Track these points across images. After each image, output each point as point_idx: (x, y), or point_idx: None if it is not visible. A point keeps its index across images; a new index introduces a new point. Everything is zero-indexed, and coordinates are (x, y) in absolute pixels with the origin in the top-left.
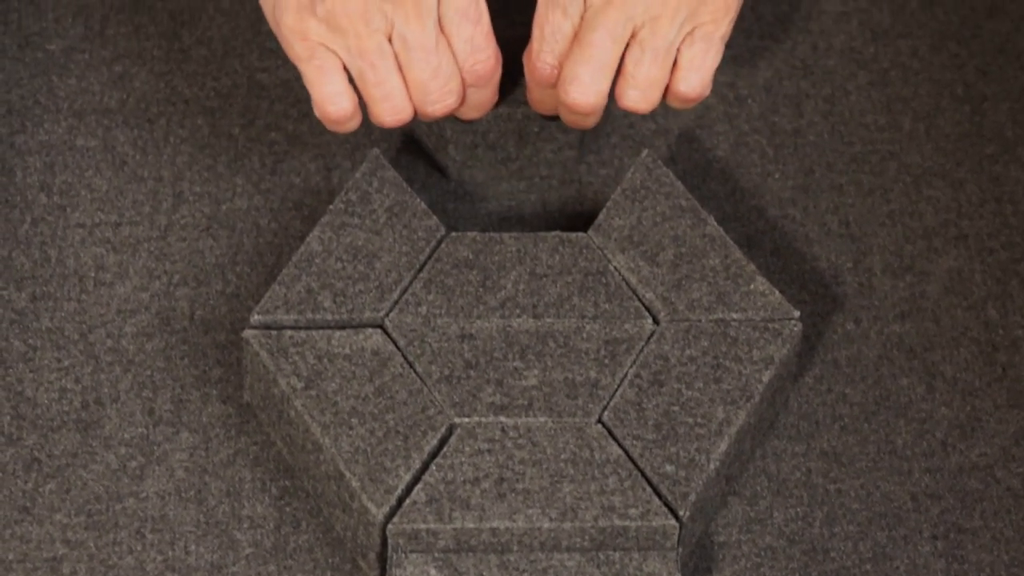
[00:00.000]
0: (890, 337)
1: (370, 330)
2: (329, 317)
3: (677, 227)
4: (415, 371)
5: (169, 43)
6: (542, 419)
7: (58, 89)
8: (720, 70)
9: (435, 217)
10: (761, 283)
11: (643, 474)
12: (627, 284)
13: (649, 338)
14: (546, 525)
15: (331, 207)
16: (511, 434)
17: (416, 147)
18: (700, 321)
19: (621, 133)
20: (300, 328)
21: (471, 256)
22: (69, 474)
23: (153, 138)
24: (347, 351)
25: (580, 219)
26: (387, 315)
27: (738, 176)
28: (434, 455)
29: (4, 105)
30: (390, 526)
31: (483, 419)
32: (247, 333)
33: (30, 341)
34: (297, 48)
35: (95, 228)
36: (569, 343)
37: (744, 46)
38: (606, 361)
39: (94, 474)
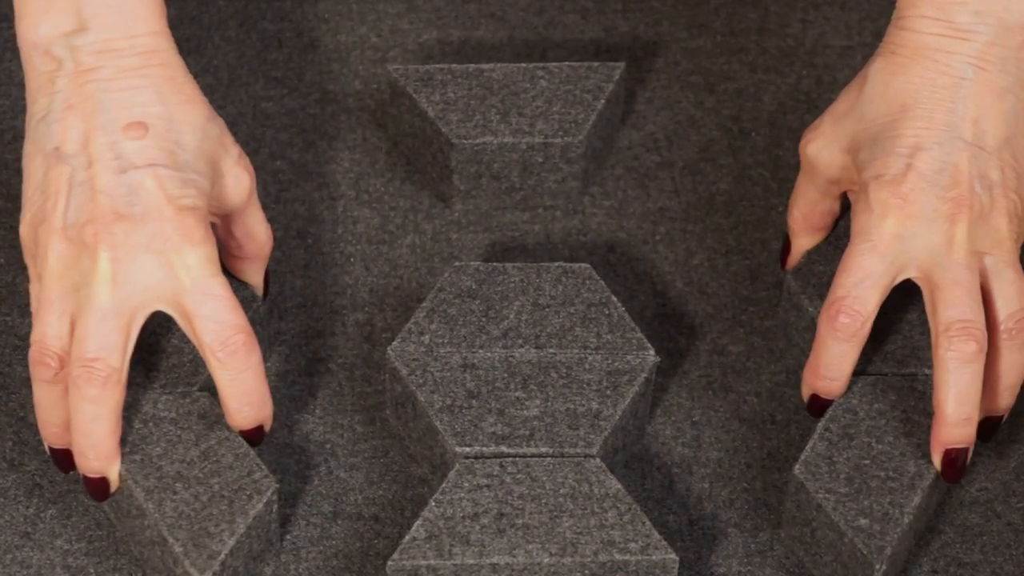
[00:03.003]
0: None
1: (197, 393)
2: None
3: None
4: (418, 400)
5: None
6: (543, 449)
7: None
8: (724, 103)
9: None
10: None
11: (838, 527)
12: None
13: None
14: (546, 560)
15: None
16: (509, 469)
17: (420, 177)
18: (888, 375)
19: (625, 165)
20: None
21: (474, 286)
22: (70, 500)
23: None
24: (173, 415)
25: (583, 250)
26: (390, 344)
27: (742, 209)
28: (260, 519)
29: (11, 131)
30: (390, 563)
31: (484, 448)
32: None
33: None
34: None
35: None
36: (571, 374)
37: (749, 80)
38: (607, 392)
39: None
